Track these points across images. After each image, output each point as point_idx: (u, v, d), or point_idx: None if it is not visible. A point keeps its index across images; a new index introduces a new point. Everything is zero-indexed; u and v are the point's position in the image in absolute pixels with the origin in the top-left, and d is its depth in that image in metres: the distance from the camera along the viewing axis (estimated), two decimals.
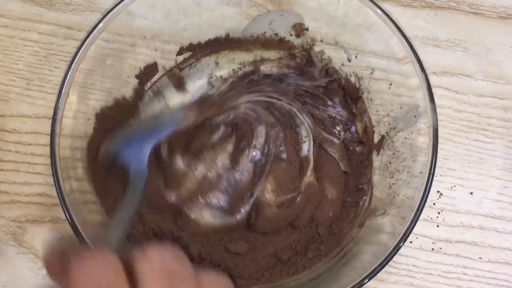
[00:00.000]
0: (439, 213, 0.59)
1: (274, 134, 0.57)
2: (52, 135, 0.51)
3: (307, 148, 0.58)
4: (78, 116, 0.54)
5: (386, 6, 0.57)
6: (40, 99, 0.62)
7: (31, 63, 0.63)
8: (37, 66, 0.63)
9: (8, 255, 0.58)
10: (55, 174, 0.50)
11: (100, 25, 0.53)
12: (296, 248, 0.56)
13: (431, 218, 0.59)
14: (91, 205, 0.53)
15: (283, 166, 0.57)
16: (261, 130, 0.57)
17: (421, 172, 0.51)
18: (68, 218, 0.49)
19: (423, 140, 0.52)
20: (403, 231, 0.49)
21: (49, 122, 0.58)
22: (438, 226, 0.59)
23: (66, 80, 0.52)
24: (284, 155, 0.57)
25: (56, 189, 0.50)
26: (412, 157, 0.53)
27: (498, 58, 0.63)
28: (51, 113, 0.57)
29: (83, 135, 0.54)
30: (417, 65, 0.53)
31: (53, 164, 0.50)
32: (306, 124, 0.59)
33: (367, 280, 0.48)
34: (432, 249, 0.58)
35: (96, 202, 0.54)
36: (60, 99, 0.52)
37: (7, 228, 0.58)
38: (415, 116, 0.53)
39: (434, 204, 0.59)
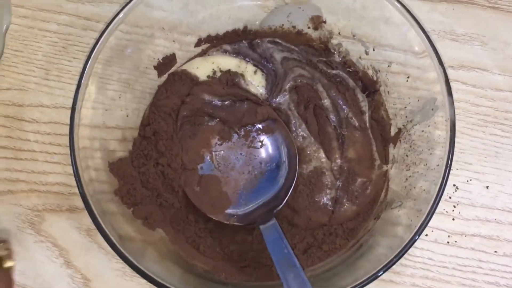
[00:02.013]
0: (455, 206, 0.59)
1: (335, 95, 0.58)
2: (71, 125, 0.51)
3: (368, 120, 0.58)
4: (97, 107, 0.54)
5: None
6: (58, 89, 0.61)
7: (50, 53, 0.62)
8: (56, 57, 0.62)
9: (26, 243, 0.58)
10: (74, 164, 0.50)
11: (120, 15, 0.53)
12: (312, 241, 0.55)
13: (447, 212, 0.58)
14: (108, 194, 0.53)
15: (358, 136, 0.57)
16: (322, 91, 0.58)
17: (438, 165, 0.50)
18: (87, 207, 0.49)
19: (440, 134, 0.52)
20: (419, 224, 0.49)
21: (68, 112, 0.58)
22: (453, 219, 0.58)
23: (85, 71, 0.52)
24: (355, 122, 0.58)
25: (76, 179, 0.50)
26: (428, 150, 0.53)
27: None
28: (69, 103, 0.58)
29: (102, 125, 0.54)
30: (435, 59, 0.52)
31: (72, 154, 0.51)
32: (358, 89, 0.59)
33: (382, 272, 0.48)
34: (448, 242, 0.58)
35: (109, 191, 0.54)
36: (79, 90, 0.51)
37: (25, 217, 0.58)
38: (432, 109, 0.53)
39: (450, 197, 0.58)
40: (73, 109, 0.51)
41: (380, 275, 0.47)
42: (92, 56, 0.52)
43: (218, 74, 0.59)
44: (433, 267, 0.57)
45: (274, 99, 0.59)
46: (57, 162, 0.60)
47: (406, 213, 0.52)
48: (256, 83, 0.59)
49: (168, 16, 0.57)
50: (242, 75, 0.59)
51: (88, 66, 0.52)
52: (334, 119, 0.58)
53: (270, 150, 0.57)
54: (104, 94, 0.54)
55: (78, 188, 0.50)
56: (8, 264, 0.57)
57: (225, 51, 0.60)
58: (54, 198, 0.59)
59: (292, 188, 0.56)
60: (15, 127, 0.60)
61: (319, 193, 0.57)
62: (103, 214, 0.50)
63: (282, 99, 0.59)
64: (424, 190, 0.51)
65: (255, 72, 0.59)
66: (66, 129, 0.58)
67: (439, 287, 0.57)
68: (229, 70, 0.59)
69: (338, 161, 0.57)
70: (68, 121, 0.57)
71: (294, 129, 0.58)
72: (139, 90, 0.58)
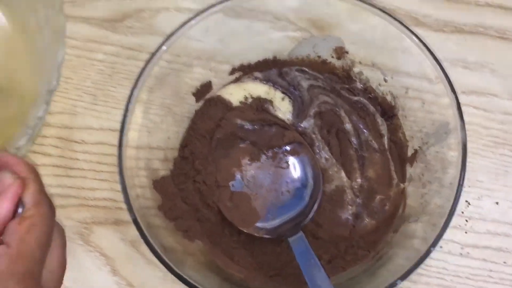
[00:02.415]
0: (467, 221, 0.62)
1: (356, 119, 0.62)
2: (120, 147, 0.55)
3: (387, 142, 0.62)
4: (141, 130, 0.58)
5: (419, 31, 0.59)
6: (105, 113, 0.65)
7: (97, 80, 0.66)
8: (102, 83, 0.66)
9: (76, 253, 0.62)
10: (122, 183, 0.54)
11: (163, 47, 0.58)
12: (336, 252, 0.59)
13: (460, 225, 0.62)
14: (152, 210, 0.57)
15: (377, 157, 0.61)
16: (344, 117, 0.62)
17: (451, 183, 0.54)
18: (134, 221, 0.53)
19: (453, 154, 0.55)
20: (434, 237, 0.52)
21: (113, 134, 0.63)
22: (466, 232, 0.62)
23: (132, 98, 0.56)
24: (374, 145, 0.61)
25: (124, 196, 0.54)
26: (442, 169, 0.56)
27: None
28: (114, 126, 0.63)
29: (146, 146, 0.58)
30: (448, 86, 0.56)
31: (121, 173, 0.54)
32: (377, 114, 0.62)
33: (400, 281, 0.51)
34: (461, 253, 0.61)
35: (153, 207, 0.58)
36: (127, 115, 0.56)
37: (75, 229, 0.62)
38: (445, 133, 0.56)
39: (462, 212, 0.62)
40: (121, 132, 0.55)
41: (399, 284, 0.51)
42: (138, 84, 0.57)
43: (250, 100, 0.63)
44: (447, 276, 0.61)
45: (300, 124, 0.63)
46: (104, 179, 0.64)
47: (422, 227, 0.55)
48: (283, 109, 0.63)
49: (205, 47, 0.61)
50: (271, 102, 0.63)
51: (134, 93, 0.57)
52: (355, 142, 0.62)
53: (296, 170, 0.61)
54: (148, 118, 0.58)
55: (126, 204, 0.53)
56: None
57: (256, 78, 0.64)
58: (102, 212, 0.63)
59: (316, 205, 0.60)
60: (66, 147, 0.64)
61: (340, 209, 0.60)
62: (148, 227, 0.54)
63: (307, 124, 0.63)
64: (438, 206, 0.54)
65: (282, 99, 0.63)
66: (112, 149, 0.63)
67: None
68: (259, 97, 0.63)
69: (359, 180, 0.61)
70: (113, 142, 0.62)
71: (317, 151, 0.62)
72: (178, 114, 0.62)
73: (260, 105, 0.63)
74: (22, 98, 0.62)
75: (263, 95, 0.63)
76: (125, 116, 0.56)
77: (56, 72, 0.56)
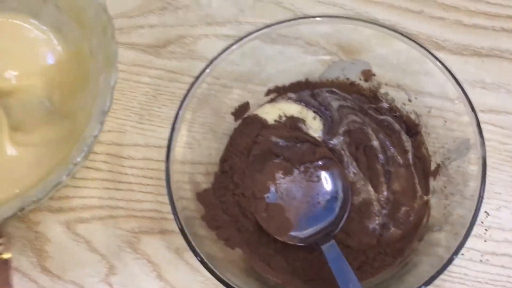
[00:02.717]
0: (486, 230, 0.65)
1: (383, 137, 0.66)
2: (167, 162, 0.59)
3: (411, 158, 0.66)
4: (186, 146, 0.62)
5: (440, 54, 0.63)
6: (150, 131, 0.69)
7: (143, 101, 0.71)
8: (148, 104, 0.70)
9: (126, 260, 0.66)
10: (170, 195, 0.58)
11: (206, 70, 0.62)
12: (364, 259, 0.62)
13: (480, 234, 0.65)
14: (197, 220, 0.61)
15: (402, 171, 0.65)
16: (371, 134, 0.66)
17: (472, 195, 0.57)
18: (181, 231, 0.57)
19: (473, 168, 0.58)
20: (457, 245, 0.55)
21: (158, 150, 0.68)
22: (485, 241, 0.65)
23: (178, 118, 0.61)
24: (400, 160, 0.65)
25: (171, 207, 0.57)
26: (464, 182, 0.59)
27: None
28: (159, 143, 0.67)
29: (190, 161, 0.62)
30: (468, 105, 0.59)
31: (168, 187, 0.58)
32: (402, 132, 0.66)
33: (424, 286, 0.54)
34: (481, 260, 0.64)
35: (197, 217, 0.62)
36: (173, 133, 0.60)
37: (124, 238, 0.66)
38: (466, 148, 0.60)
39: (482, 222, 0.65)
40: (168, 149, 0.59)
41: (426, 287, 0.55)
42: (183, 105, 0.61)
43: (284, 118, 0.68)
44: (468, 281, 0.64)
45: (330, 141, 0.66)
46: (150, 192, 0.68)
47: (445, 236, 0.59)
48: (315, 127, 0.67)
49: (242, 70, 0.65)
50: (303, 120, 0.67)
51: (179, 113, 0.61)
52: (382, 158, 0.65)
53: (326, 184, 0.65)
54: (191, 136, 0.62)
55: (174, 215, 0.57)
56: (5, 256, 0.64)
57: (290, 99, 0.68)
58: (148, 222, 0.67)
59: (345, 216, 0.64)
60: (115, 163, 0.69)
61: (368, 219, 0.64)
62: (193, 236, 0.58)
63: (337, 141, 0.66)
64: (460, 216, 0.58)
65: (314, 118, 0.67)
66: (157, 165, 0.68)
67: None
68: (292, 116, 0.68)
69: (385, 193, 0.65)
70: (158, 158, 0.68)
71: (346, 166, 0.66)
72: (219, 132, 0.66)
73: (293, 124, 0.67)
74: (78, 119, 0.66)
75: (296, 115, 0.67)
76: (171, 134, 0.60)
77: (109, 95, 0.61)
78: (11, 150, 0.66)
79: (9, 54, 0.69)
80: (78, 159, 0.59)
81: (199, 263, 0.57)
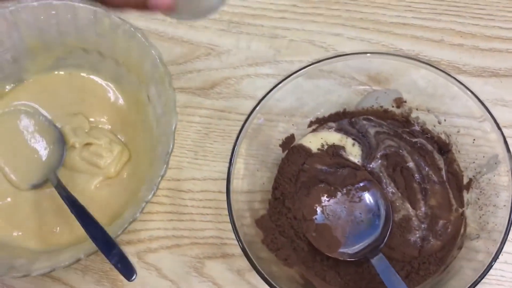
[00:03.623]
0: None
1: (417, 158, 0.69)
2: (228, 193, 0.63)
3: (445, 174, 0.69)
4: (242, 177, 0.66)
5: (462, 78, 0.67)
6: (205, 166, 0.74)
7: (196, 139, 0.75)
8: (201, 141, 0.75)
9: (193, 284, 0.69)
10: (233, 223, 0.62)
11: (257, 108, 0.66)
12: (410, 268, 0.66)
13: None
14: (258, 244, 0.65)
15: (437, 188, 0.68)
16: (407, 156, 0.69)
17: (505, 205, 0.61)
18: (245, 254, 0.61)
19: (504, 180, 0.62)
20: (496, 251, 0.59)
21: (213, 182, 0.72)
22: None
23: (234, 152, 0.65)
24: (434, 178, 0.69)
25: (235, 234, 0.62)
26: (495, 193, 0.63)
27: None
28: (214, 175, 0.72)
29: (247, 191, 0.67)
30: (494, 123, 0.63)
31: (231, 215, 0.62)
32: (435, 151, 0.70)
33: (473, 287, 0.58)
34: None
35: (257, 241, 0.66)
36: (231, 167, 0.64)
37: (190, 264, 0.70)
38: (495, 163, 0.63)
39: None
40: (228, 181, 0.64)
41: None
42: (238, 141, 0.65)
43: (326, 146, 0.72)
44: (505, 282, 0.67)
45: (369, 165, 0.71)
46: (210, 220, 0.72)
47: (483, 242, 0.62)
48: (354, 153, 0.71)
49: (287, 105, 0.69)
50: (344, 148, 0.71)
51: (235, 149, 0.65)
52: (418, 177, 0.69)
53: (368, 203, 0.69)
54: (246, 168, 0.67)
55: (238, 241, 0.61)
56: None
57: (330, 128, 0.72)
58: (210, 248, 0.71)
59: (389, 231, 0.67)
60: (176, 196, 0.73)
61: (408, 233, 0.68)
62: (256, 258, 0.62)
63: (375, 164, 0.70)
64: (495, 224, 0.62)
65: (353, 144, 0.71)
66: (214, 195, 0.72)
67: None
68: (333, 144, 0.72)
69: (423, 208, 0.68)
70: (214, 189, 0.72)
71: (385, 187, 0.70)
72: (269, 162, 0.70)
73: (335, 151, 0.71)
74: (141, 159, 0.71)
75: (336, 142, 0.71)
76: (230, 167, 0.64)
77: (172, 136, 0.66)
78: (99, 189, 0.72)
79: (82, 103, 0.75)
80: (149, 197, 0.63)
81: (260, 282, 0.61)
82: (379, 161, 0.70)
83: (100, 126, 0.74)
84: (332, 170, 0.70)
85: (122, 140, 0.73)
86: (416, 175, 0.69)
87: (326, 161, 0.70)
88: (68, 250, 0.67)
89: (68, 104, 0.74)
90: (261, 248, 0.66)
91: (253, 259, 0.61)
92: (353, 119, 0.72)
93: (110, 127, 0.74)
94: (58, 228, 0.70)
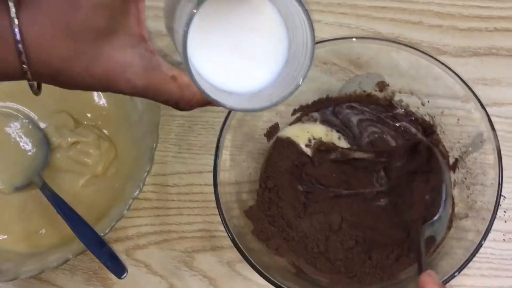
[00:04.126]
0: (505, 211, 0.68)
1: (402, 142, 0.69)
2: (215, 185, 0.62)
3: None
4: (228, 169, 0.65)
5: (443, 58, 0.66)
6: (190, 159, 0.72)
7: (179, 132, 0.73)
8: (184, 134, 0.73)
9: (184, 278, 0.69)
10: (222, 216, 0.61)
11: None
12: (400, 251, 0.65)
13: (499, 216, 0.67)
14: (248, 235, 0.64)
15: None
16: (391, 141, 0.69)
17: (492, 183, 0.61)
18: (236, 246, 0.60)
19: (490, 158, 0.62)
20: (485, 229, 0.59)
21: (199, 175, 0.71)
22: (505, 222, 0.68)
23: (220, 144, 0.63)
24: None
25: (224, 226, 0.60)
26: (482, 172, 0.63)
27: None
28: (200, 168, 0.70)
29: (235, 182, 0.66)
30: (477, 102, 0.62)
31: (219, 207, 0.61)
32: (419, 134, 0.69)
33: (465, 266, 0.58)
34: (504, 239, 0.68)
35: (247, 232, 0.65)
36: (217, 159, 0.63)
37: (179, 258, 0.69)
38: (481, 142, 0.63)
39: (500, 205, 0.67)
40: (215, 174, 0.62)
41: (462, 269, 0.58)
42: (222, 134, 0.64)
43: (313, 141, 0.70)
44: (495, 259, 0.67)
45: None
46: (197, 214, 0.71)
47: (472, 222, 0.62)
48: (341, 145, 0.70)
49: None
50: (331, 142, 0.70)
51: (220, 142, 0.63)
52: None
53: None
54: (232, 160, 0.66)
55: (228, 233, 0.60)
56: None
57: (315, 120, 0.71)
58: (199, 241, 0.70)
59: None
60: (163, 191, 0.72)
61: (396, 217, 0.67)
62: (246, 249, 0.60)
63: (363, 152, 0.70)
64: (484, 203, 0.61)
65: (339, 138, 0.70)
66: (200, 188, 0.71)
67: (502, 274, 0.67)
68: (320, 139, 0.70)
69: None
70: (200, 182, 0.71)
71: (375, 174, 0.69)
72: (255, 153, 0.69)
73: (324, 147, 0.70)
74: (130, 158, 0.70)
75: (323, 137, 0.70)
76: (216, 160, 0.63)
77: (156, 132, 0.64)
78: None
79: (65, 101, 0.73)
80: (136, 193, 0.62)
81: (251, 273, 0.61)
82: (365, 148, 0.70)
83: (85, 122, 0.72)
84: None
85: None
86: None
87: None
88: (55, 251, 0.65)
89: (51, 103, 0.72)
90: (251, 239, 0.65)
91: (244, 250, 0.60)
92: (336, 108, 0.71)
93: (94, 124, 0.72)
94: (44, 229, 0.69)
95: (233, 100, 0.42)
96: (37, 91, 0.40)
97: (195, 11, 0.36)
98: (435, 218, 0.61)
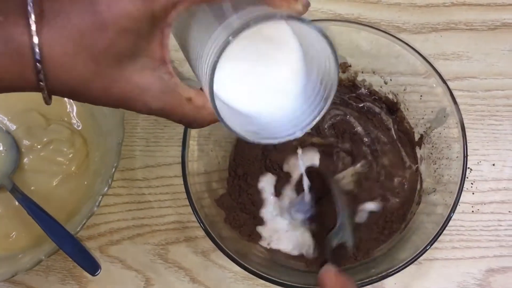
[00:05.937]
0: (472, 183, 0.69)
1: (364, 123, 0.68)
2: (184, 176, 0.61)
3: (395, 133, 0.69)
4: (197, 159, 0.64)
5: (403, 36, 0.65)
6: (158, 152, 0.71)
7: (146, 126, 0.72)
8: (151, 128, 0.72)
9: (159, 271, 0.68)
10: (192, 206, 0.60)
11: None
12: (376, 228, 0.65)
13: (467, 188, 0.68)
14: (220, 223, 0.64)
15: (388, 147, 0.67)
16: (354, 122, 0.68)
17: (457, 157, 0.61)
18: (208, 235, 0.59)
19: (453, 132, 0.62)
20: (453, 202, 0.59)
21: (168, 167, 0.69)
22: (473, 193, 0.69)
23: (186, 135, 0.62)
24: (384, 138, 0.68)
25: (195, 216, 0.59)
26: (447, 146, 0.63)
27: (494, 60, 0.72)
28: (169, 161, 0.69)
29: (204, 172, 0.65)
30: (438, 77, 0.62)
31: (190, 198, 0.60)
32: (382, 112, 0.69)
33: (434, 241, 0.58)
34: (472, 211, 0.68)
35: (219, 221, 0.65)
36: (185, 150, 0.62)
37: (154, 251, 0.68)
38: (444, 116, 0.63)
39: (467, 177, 0.67)
40: (183, 164, 0.61)
41: (433, 243, 0.58)
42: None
43: None
44: (465, 231, 0.68)
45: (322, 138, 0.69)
46: (169, 206, 0.70)
47: (441, 196, 0.62)
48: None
49: None
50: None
51: (186, 134, 0.62)
52: (367, 140, 0.68)
53: None
54: (200, 150, 0.64)
55: (200, 223, 0.59)
56: None
57: None
58: (172, 233, 0.69)
59: None
60: (132, 186, 0.70)
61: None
62: (219, 238, 0.60)
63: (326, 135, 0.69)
64: (450, 176, 0.61)
65: None
66: (170, 181, 0.70)
67: (472, 245, 0.67)
68: None
69: (376, 169, 0.68)
70: (170, 174, 0.70)
71: (335, 156, 0.68)
72: (223, 141, 0.68)
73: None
74: (97, 154, 0.68)
75: None
76: (183, 151, 0.62)
77: (122, 127, 0.63)
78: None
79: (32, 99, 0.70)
80: (105, 190, 0.61)
81: (226, 261, 0.60)
82: (328, 131, 0.69)
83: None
84: None
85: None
86: (364, 138, 0.68)
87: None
88: (28, 253, 0.64)
89: (19, 102, 0.69)
90: (223, 227, 0.64)
91: (217, 239, 0.59)
92: None
93: (62, 120, 0.70)
94: (15, 233, 0.67)
95: (254, 134, 0.42)
96: (49, 101, 0.39)
97: (231, 38, 0.35)
98: (335, 229, 0.60)
